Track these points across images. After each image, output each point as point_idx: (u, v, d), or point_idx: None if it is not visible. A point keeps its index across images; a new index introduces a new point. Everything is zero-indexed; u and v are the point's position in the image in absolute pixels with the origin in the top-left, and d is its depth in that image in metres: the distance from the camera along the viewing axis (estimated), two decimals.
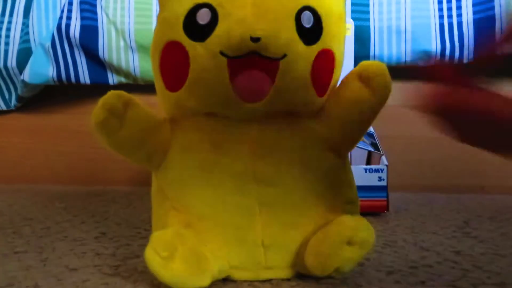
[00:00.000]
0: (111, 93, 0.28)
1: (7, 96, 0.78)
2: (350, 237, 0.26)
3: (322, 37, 0.28)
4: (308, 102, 0.29)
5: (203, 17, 0.26)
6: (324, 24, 0.28)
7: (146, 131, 0.29)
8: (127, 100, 0.28)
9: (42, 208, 0.54)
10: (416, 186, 0.70)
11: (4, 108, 0.78)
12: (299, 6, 0.27)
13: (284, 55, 0.26)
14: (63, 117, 0.78)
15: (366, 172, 0.51)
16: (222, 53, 0.26)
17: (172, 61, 0.28)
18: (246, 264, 0.29)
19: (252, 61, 0.26)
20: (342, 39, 0.30)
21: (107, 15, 0.70)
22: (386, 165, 0.51)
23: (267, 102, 0.27)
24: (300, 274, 0.30)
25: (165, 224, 0.29)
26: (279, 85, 0.27)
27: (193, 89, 0.27)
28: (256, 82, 0.26)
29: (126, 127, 0.28)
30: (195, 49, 0.26)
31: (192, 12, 0.27)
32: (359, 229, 0.27)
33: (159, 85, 0.30)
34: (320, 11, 0.28)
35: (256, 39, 0.25)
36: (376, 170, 0.51)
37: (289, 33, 0.26)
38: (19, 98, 0.76)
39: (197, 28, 0.26)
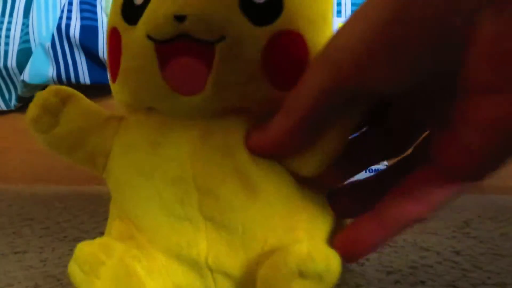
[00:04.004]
0: (48, 88, 0.25)
1: (7, 96, 0.78)
2: (300, 268, 0.21)
3: (283, 15, 0.22)
4: (262, 97, 0.22)
5: None
6: (285, 0, 0.22)
7: (86, 130, 0.25)
8: (67, 96, 0.25)
9: (42, 208, 0.54)
10: None
11: (4, 108, 0.78)
12: None
13: (222, 37, 0.21)
14: None
15: (366, 172, 0.51)
16: (149, 37, 0.21)
17: (111, 49, 0.24)
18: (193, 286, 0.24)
19: (183, 46, 0.21)
20: (319, 22, 0.24)
21: (107, 15, 0.70)
22: (386, 165, 0.51)
23: (206, 95, 0.22)
24: None
25: (108, 235, 0.25)
26: (218, 75, 0.21)
27: (125, 80, 0.23)
28: (187, 70, 0.21)
29: (62, 124, 0.25)
30: (128, 34, 0.22)
31: None
32: (312, 258, 0.21)
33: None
34: None
35: (180, 18, 0.20)
36: (376, 170, 0.51)
37: (228, 10, 0.21)
38: (19, 98, 0.76)
39: (133, 10, 0.22)
